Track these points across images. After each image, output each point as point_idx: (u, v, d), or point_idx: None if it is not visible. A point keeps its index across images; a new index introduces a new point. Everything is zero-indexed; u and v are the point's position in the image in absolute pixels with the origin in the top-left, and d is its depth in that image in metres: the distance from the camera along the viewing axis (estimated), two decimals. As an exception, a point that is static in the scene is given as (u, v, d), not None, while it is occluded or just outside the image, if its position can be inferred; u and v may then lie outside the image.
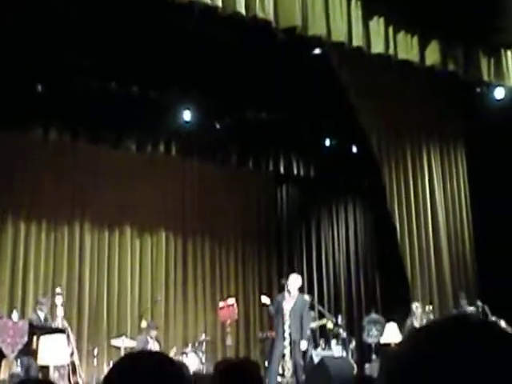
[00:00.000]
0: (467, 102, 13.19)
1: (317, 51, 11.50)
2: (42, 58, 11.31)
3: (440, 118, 13.32)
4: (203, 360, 11.66)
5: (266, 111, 14.27)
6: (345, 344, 12.65)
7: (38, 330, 9.94)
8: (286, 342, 10.01)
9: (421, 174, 13.17)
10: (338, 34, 9.39)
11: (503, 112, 12.30)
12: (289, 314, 10.17)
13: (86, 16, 10.45)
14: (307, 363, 10.63)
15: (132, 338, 11.70)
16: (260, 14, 8.50)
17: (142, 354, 1.94)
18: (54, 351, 8.84)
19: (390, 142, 12.94)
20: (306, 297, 11.27)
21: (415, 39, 10.29)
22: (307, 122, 14.53)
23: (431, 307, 11.79)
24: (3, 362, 9.93)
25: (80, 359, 11.19)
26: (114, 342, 11.53)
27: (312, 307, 11.58)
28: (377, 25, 9.84)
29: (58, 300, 10.74)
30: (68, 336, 10.21)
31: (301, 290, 10.91)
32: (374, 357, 12.44)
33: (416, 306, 11.90)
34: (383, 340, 11.69)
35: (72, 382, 10.35)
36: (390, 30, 10.01)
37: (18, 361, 9.91)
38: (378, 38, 9.81)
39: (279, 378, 10.42)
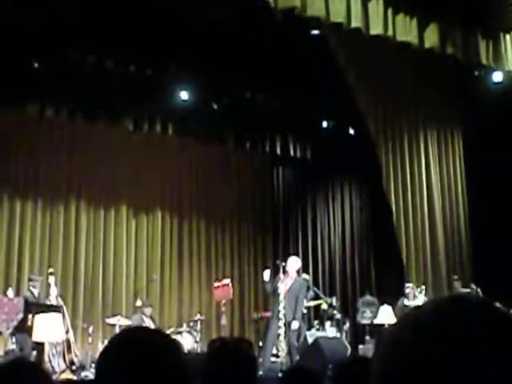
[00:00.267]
0: (465, 85, 13.18)
1: (315, 32, 11.45)
2: (39, 35, 11.24)
3: (438, 101, 13.30)
4: (197, 339, 11.70)
5: (263, 92, 14.23)
6: (339, 325, 12.70)
7: (33, 307, 9.97)
8: (281, 323, 10.05)
9: (417, 156, 13.17)
10: (337, 15, 9.34)
11: (501, 95, 12.29)
12: (284, 295, 10.20)
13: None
14: (301, 343, 10.68)
15: (127, 317, 11.73)
16: (259, -6, 8.46)
17: (138, 329, 1.95)
18: (48, 328, 8.88)
19: (387, 124, 12.93)
20: (306, 276, 11.29)
21: (414, 21, 10.25)
22: (304, 104, 14.50)
23: (424, 288, 11.83)
24: (-2, 339, 9.97)
25: (75, 337, 11.23)
26: (109, 320, 11.57)
27: (308, 287, 11.60)
28: (376, 6, 9.78)
29: (51, 280, 10.75)
30: (63, 314, 10.25)
31: (299, 272, 10.95)
32: (367, 338, 12.50)
33: (408, 286, 11.95)
34: (377, 321, 11.74)
35: (67, 359, 10.40)
36: (389, 11, 9.96)
37: (13, 337, 9.94)
38: (376, 19, 9.77)
39: (273, 358, 10.47)
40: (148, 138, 14.58)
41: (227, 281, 12.54)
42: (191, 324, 12.16)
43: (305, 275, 11.27)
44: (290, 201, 17.00)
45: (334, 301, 13.22)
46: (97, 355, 1.79)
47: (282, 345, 10.08)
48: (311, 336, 11.17)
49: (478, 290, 11.50)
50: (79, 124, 13.65)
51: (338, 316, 12.79)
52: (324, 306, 12.91)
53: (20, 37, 11.10)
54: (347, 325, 13.09)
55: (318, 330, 12.80)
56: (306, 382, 3.41)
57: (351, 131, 15.58)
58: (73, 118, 13.37)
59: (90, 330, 11.52)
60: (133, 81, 12.87)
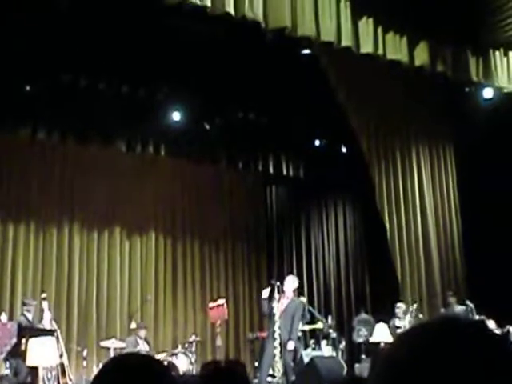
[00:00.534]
0: (456, 101, 13.25)
1: (306, 51, 11.50)
2: (31, 58, 11.26)
3: (429, 118, 13.36)
4: (193, 360, 11.64)
5: (255, 112, 14.28)
6: (335, 344, 12.67)
7: (26, 331, 9.90)
8: (276, 343, 10.00)
9: (410, 174, 13.20)
10: (327, 34, 9.39)
11: (492, 112, 12.35)
12: (280, 314, 10.16)
13: (75, 16, 10.42)
14: (297, 363, 10.63)
15: (121, 340, 11.67)
16: (249, 14, 8.49)
17: (130, 355, 1.95)
18: (42, 352, 8.81)
19: (380, 142, 12.96)
20: (303, 299, 11.24)
21: (404, 39, 10.31)
22: (296, 123, 14.54)
23: (415, 306, 11.80)
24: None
25: (69, 360, 11.16)
26: (104, 343, 11.50)
27: (304, 310, 11.56)
28: (366, 25, 9.84)
29: (45, 305, 10.70)
30: (57, 337, 10.18)
31: (300, 293, 10.93)
32: (363, 357, 12.46)
33: (398, 307, 11.93)
34: (373, 340, 11.71)
35: (61, 383, 10.31)
36: (379, 30, 10.02)
37: (7, 362, 9.87)
38: (366, 38, 9.82)
39: (269, 379, 10.41)
40: (141, 159, 14.59)
41: (222, 301, 12.50)
42: (186, 345, 12.10)
43: (302, 298, 11.22)
44: (283, 220, 17.00)
45: (330, 320, 13.19)
46: (91, 378, 1.79)
47: (278, 365, 10.02)
48: (307, 355, 11.12)
49: (472, 306, 11.50)
50: (71, 146, 13.66)
51: (334, 335, 12.76)
52: (319, 326, 12.88)
53: (11, 59, 11.11)
54: (343, 343, 13.07)
55: (313, 349, 12.76)
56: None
57: (344, 149, 15.63)
58: (65, 140, 13.36)
59: (85, 353, 11.45)
60: (125, 102, 12.90)
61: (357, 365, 12.33)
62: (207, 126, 14.17)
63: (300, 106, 13.69)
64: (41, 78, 12.03)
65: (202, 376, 2.89)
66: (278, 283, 10.36)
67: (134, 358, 1.75)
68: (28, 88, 12.12)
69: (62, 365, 10.23)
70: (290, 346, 10.07)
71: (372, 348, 11.94)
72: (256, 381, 10.38)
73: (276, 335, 9.97)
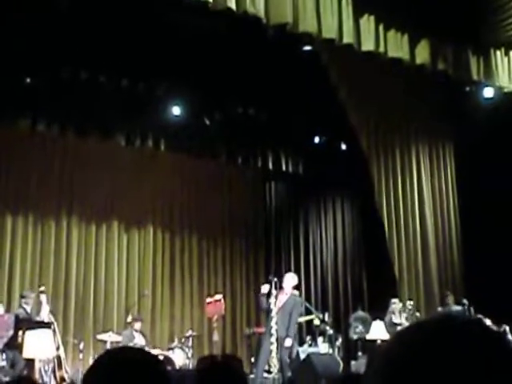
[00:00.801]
0: (456, 100, 13.24)
1: (307, 48, 11.49)
2: (31, 50, 11.25)
3: (429, 116, 13.36)
4: (189, 355, 11.65)
5: (255, 107, 14.27)
6: (331, 341, 12.67)
7: (24, 323, 9.90)
8: (273, 339, 10.00)
9: (409, 172, 13.21)
10: (329, 31, 9.38)
11: (492, 111, 12.35)
12: (277, 310, 10.16)
13: (75, 9, 10.41)
14: (293, 359, 10.64)
15: (118, 333, 11.67)
16: (251, 10, 8.48)
17: (124, 348, 1.94)
18: (39, 345, 8.81)
19: (379, 140, 12.96)
20: (295, 292, 11.24)
21: (405, 37, 10.30)
22: (296, 119, 14.54)
23: (411, 303, 11.81)
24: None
25: (66, 353, 11.16)
26: (100, 336, 11.51)
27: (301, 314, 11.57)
28: (367, 22, 9.84)
29: (43, 298, 10.69)
30: (54, 330, 10.19)
31: (296, 288, 10.92)
32: (360, 354, 12.47)
33: (394, 302, 11.94)
34: (369, 337, 11.71)
35: (58, 375, 10.32)
36: (381, 27, 10.02)
37: (4, 354, 9.87)
38: (368, 35, 9.82)
39: (265, 374, 10.42)
40: (140, 153, 14.58)
41: (219, 296, 12.50)
42: (183, 340, 12.10)
43: (294, 291, 11.22)
44: (282, 216, 17.01)
45: (326, 316, 13.20)
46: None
47: (275, 361, 10.03)
48: (303, 352, 11.13)
49: (467, 304, 11.51)
50: (71, 139, 13.65)
51: (331, 332, 12.76)
52: (316, 322, 12.88)
53: (12, 52, 11.10)
54: (339, 340, 13.06)
55: (310, 345, 12.77)
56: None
57: (343, 146, 15.62)
58: (65, 132, 13.36)
59: (81, 346, 11.45)
60: (125, 96, 12.89)
61: (353, 362, 12.34)
62: (207, 121, 14.16)
63: (300, 103, 13.69)
64: (41, 70, 12.03)
65: (198, 370, 2.90)
66: (276, 279, 10.36)
67: (128, 352, 1.76)
68: (28, 80, 12.11)
69: (58, 357, 10.23)
70: (288, 342, 10.08)
71: (368, 345, 11.95)
72: (252, 376, 10.38)
73: (273, 331, 9.98)
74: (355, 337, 12.84)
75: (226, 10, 8.35)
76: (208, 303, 12.53)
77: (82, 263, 14.08)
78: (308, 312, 12.62)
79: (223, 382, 2.67)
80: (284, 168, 15.72)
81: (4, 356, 9.89)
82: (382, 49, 10.01)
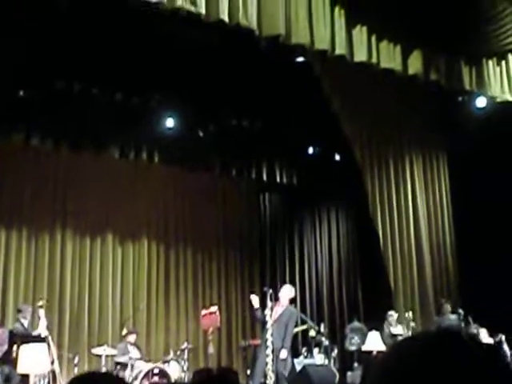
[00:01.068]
0: (449, 110, 13.29)
1: (300, 59, 11.52)
2: (25, 63, 11.25)
3: (422, 127, 13.41)
4: (185, 368, 11.61)
5: (249, 119, 14.29)
6: (327, 352, 12.64)
7: (18, 338, 9.86)
8: (269, 350, 9.98)
9: (403, 182, 13.24)
10: (321, 42, 9.40)
11: (485, 121, 12.39)
12: (273, 322, 10.13)
13: (69, 23, 10.41)
14: (289, 371, 10.60)
15: (113, 347, 11.63)
16: (243, 22, 8.50)
17: (88, 374, 2.00)
18: (34, 359, 8.76)
19: (373, 150, 13.00)
20: (295, 310, 11.21)
21: (398, 48, 10.33)
22: (290, 130, 14.57)
23: (411, 314, 11.82)
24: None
25: (60, 367, 11.11)
26: (95, 350, 11.46)
27: (297, 324, 11.55)
28: (360, 33, 9.86)
29: (41, 312, 10.66)
30: (48, 344, 10.14)
31: (292, 301, 10.91)
32: (356, 365, 12.44)
33: (391, 315, 11.94)
34: (365, 348, 11.70)
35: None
36: (373, 38, 10.04)
37: (-2, 369, 9.82)
38: (360, 46, 9.84)
39: (261, 386, 10.38)
40: (134, 166, 14.57)
41: (214, 308, 12.47)
42: (178, 352, 12.06)
43: (294, 309, 11.20)
44: (276, 227, 17.01)
45: (322, 327, 13.18)
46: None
47: (270, 373, 9.99)
48: (299, 363, 11.10)
49: (463, 313, 11.52)
50: (65, 152, 13.64)
51: (326, 343, 12.74)
52: (312, 333, 12.86)
53: (6, 65, 11.09)
54: (335, 351, 13.04)
55: (305, 357, 12.74)
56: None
57: (337, 157, 15.64)
58: (58, 146, 13.35)
59: (76, 360, 11.41)
60: (119, 109, 12.89)
61: (349, 373, 12.31)
62: (201, 133, 14.17)
63: (293, 114, 13.72)
64: (35, 83, 12.02)
65: (194, 383, 2.88)
66: (271, 291, 10.34)
67: (94, 377, 1.86)
68: (22, 93, 12.10)
69: (53, 372, 10.18)
70: (283, 354, 10.05)
71: (364, 356, 11.93)
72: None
73: (268, 343, 9.95)
74: (351, 348, 12.81)
75: (218, 22, 8.37)
76: (203, 315, 12.49)
77: (76, 277, 14.03)
78: (303, 323, 12.61)
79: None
80: (278, 179, 15.73)
81: (-1, 371, 9.84)
82: (374, 60, 10.04)
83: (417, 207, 13.24)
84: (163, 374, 10.86)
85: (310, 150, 15.56)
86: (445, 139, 13.86)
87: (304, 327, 12.89)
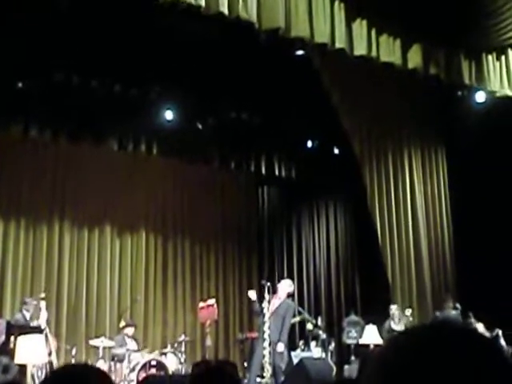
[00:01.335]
0: (448, 105, 13.27)
1: (299, 53, 11.51)
2: (23, 55, 11.22)
3: (421, 121, 13.40)
4: (182, 360, 11.63)
5: (248, 112, 14.27)
6: (324, 345, 12.67)
7: (16, 329, 9.88)
8: (266, 343, 10.00)
9: (402, 176, 13.24)
10: (321, 36, 9.39)
11: (484, 115, 12.38)
12: (270, 315, 10.15)
13: (67, 14, 10.39)
14: (286, 364, 10.63)
15: (111, 338, 11.65)
16: (243, 15, 8.48)
17: (65, 366, 2.04)
18: (31, 350, 8.77)
19: (372, 144, 12.99)
20: (292, 303, 11.23)
21: (398, 42, 10.32)
22: (289, 124, 14.55)
23: (410, 310, 11.85)
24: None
25: (58, 359, 11.13)
26: (93, 341, 11.48)
27: (294, 314, 11.56)
28: (360, 27, 9.85)
29: (42, 304, 10.69)
30: (46, 335, 10.16)
31: (290, 296, 10.93)
32: (353, 358, 12.47)
33: (393, 308, 11.96)
34: (362, 342, 11.72)
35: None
36: (373, 32, 10.03)
37: (-4, 360, 9.83)
38: (360, 40, 9.83)
39: (258, 379, 10.41)
40: (133, 158, 14.56)
41: (212, 301, 12.49)
42: (176, 345, 12.08)
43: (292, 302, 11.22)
44: (275, 220, 17.01)
45: (319, 321, 13.21)
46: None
47: (268, 366, 10.02)
48: (296, 356, 11.13)
49: (460, 308, 11.54)
50: (63, 144, 13.62)
51: (323, 336, 12.77)
52: (309, 327, 12.89)
53: (4, 57, 11.07)
54: (332, 345, 13.07)
55: (303, 350, 12.77)
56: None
57: (336, 151, 15.63)
58: (57, 137, 13.32)
59: (74, 351, 11.42)
60: (117, 101, 12.87)
61: (346, 366, 12.34)
62: (200, 126, 14.15)
63: (293, 107, 13.71)
64: (33, 75, 11.99)
65: (192, 375, 2.89)
66: (269, 284, 10.36)
67: (71, 368, 1.91)
68: (20, 85, 12.07)
69: (50, 363, 10.20)
70: (280, 347, 10.08)
71: (361, 350, 11.95)
72: (245, 381, 10.37)
73: (266, 335, 9.98)
74: (348, 341, 12.84)
75: (218, 14, 8.35)
76: (201, 308, 12.52)
77: (74, 268, 14.04)
78: (300, 314, 12.64)
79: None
80: (277, 173, 15.72)
81: (-4, 362, 9.85)
82: (374, 53, 10.03)
83: (415, 201, 13.25)
84: (160, 366, 10.88)
85: (309, 144, 15.55)
86: (444, 134, 13.85)
87: (301, 318, 12.91)
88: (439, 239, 13.45)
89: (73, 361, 11.32)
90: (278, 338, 10.07)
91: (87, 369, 1.80)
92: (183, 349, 11.90)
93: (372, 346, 11.15)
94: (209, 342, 12.32)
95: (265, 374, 10.09)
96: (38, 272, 13.57)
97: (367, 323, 11.90)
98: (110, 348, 11.39)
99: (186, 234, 15.58)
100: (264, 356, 10.01)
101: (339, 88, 12.06)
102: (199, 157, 14.90)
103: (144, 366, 10.73)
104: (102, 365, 10.80)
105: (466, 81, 11.12)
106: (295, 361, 10.81)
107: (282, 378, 10.09)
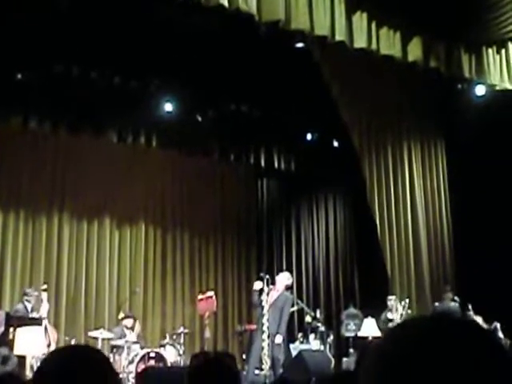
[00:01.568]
0: (448, 98, 13.26)
1: (299, 45, 11.49)
2: (22, 47, 11.20)
3: (421, 114, 13.39)
4: (181, 352, 11.64)
5: (247, 104, 14.25)
6: (323, 338, 12.69)
7: (15, 320, 9.90)
8: (265, 336, 10.02)
9: (401, 170, 13.23)
10: (321, 28, 9.38)
11: (484, 109, 12.37)
12: (268, 307, 10.17)
13: (67, 7, 10.36)
14: (285, 356, 10.65)
15: (110, 330, 11.66)
16: (243, 7, 8.47)
17: (74, 346, 2.05)
18: (30, 342, 8.81)
19: (371, 137, 12.99)
20: (290, 295, 11.25)
21: (398, 35, 10.31)
22: (289, 116, 14.53)
23: (407, 301, 11.86)
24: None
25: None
26: (92, 333, 11.50)
27: (293, 304, 11.57)
28: (360, 20, 9.84)
29: (44, 296, 10.70)
30: (45, 327, 10.18)
31: (289, 288, 10.95)
32: (351, 351, 12.49)
33: (389, 299, 11.98)
34: (361, 334, 11.74)
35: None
36: (373, 25, 10.02)
37: (-5, 351, 9.85)
38: (360, 32, 9.82)
39: (257, 371, 10.43)
40: (132, 150, 14.55)
41: (211, 293, 12.51)
42: (174, 337, 12.09)
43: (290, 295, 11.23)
44: (274, 213, 17.01)
45: (318, 313, 13.22)
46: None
47: (266, 357, 10.04)
48: (295, 349, 11.15)
49: (459, 301, 11.56)
50: (63, 136, 13.61)
51: (322, 329, 12.79)
52: (308, 319, 12.90)
53: (3, 48, 11.05)
54: (331, 337, 13.08)
55: (301, 342, 12.79)
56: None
57: (335, 144, 15.62)
58: (57, 129, 13.31)
59: (73, 343, 11.43)
60: (117, 92, 12.84)
61: (345, 359, 12.35)
62: (199, 118, 14.13)
63: (293, 100, 13.69)
64: (33, 67, 11.97)
65: (191, 367, 2.90)
66: (268, 276, 10.37)
67: (72, 349, 1.91)
68: (20, 76, 12.05)
69: (49, 354, 10.21)
70: (278, 339, 10.10)
71: (360, 342, 11.97)
72: (244, 373, 10.39)
73: (264, 328, 10.00)
74: (347, 334, 12.86)
75: (218, 6, 8.34)
76: (199, 300, 12.53)
77: (73, 260, 14.05)
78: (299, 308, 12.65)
79: (216, 379, 2.67)
80: (276, 165, 15.71)
81: (-5, 353, 9.87)
82: (374, 46, 10.01)
83: (414, 194, 13.25)
84: (159, 357, 10.90)
85: (309, 136, 15.53)
86: (443, 127, 13.84)
87: (299, 307, 12.92)
88: (438, 232, 13.45)
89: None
90: (276, 330, 10.09)
91: (89, 350, 1.81)
92: (182, 341, 11.91)
93: (370, 339, 11.16)
94: (208, 333, 12.34)
95: (263, 366, 10.11)
96: (37, 264, 13.58)
97: (366, 316, 11.93)
98: (108, 339, 11.40)
99: (185, 226, 15.58)
100: (263, 348, 10.03)
101: (339, 81, 12.04)
102: (199, 149, 14.89)
103: (143, 358, 10.74)
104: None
105: (466, 74, 11.11)
106: (294, 353, 10.83)
107: (281, 370, 10.11)
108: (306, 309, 13.27)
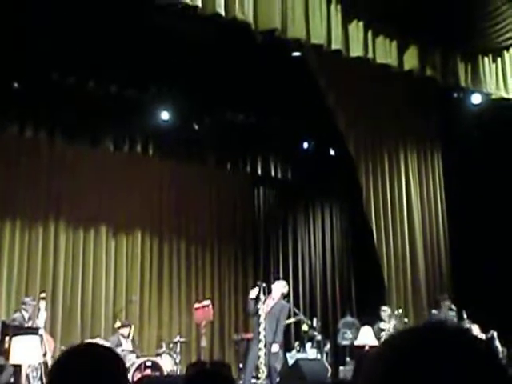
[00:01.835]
0: (444, 106, 13.30)
1: (296, 54, 11.52)
2: (19, 56, 11.21)
3: (417, 123, 13.42)
4: (177, 361, 11.62)
5: (244, 113, 14.29)
6: (319, 346, 12.68)
7: (11, 329, 9.86)
8: (261, 344, 10.00)
9: (397, 178, 13.25)
10: (317, 37, 9.39)
11: (479, 117, 12.41)
12: (265, 316, 10.15)
13: (64, 14, 10.38)
14: (282, 365, 10.63)
15: (106, 339, 11.63)
16: (239, 16, 8.48)
17: (87, 344, 2.07)
18: (26, 351, 8.76)
19: (368, 146, 13.01)
20: (287, 303, 11.24)
21: (394, 44, 10.33)
22: (285, 124, 14.56)
23: (401, 311, 11.86)
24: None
25: (53, 359, 11.10)
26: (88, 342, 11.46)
27: (289, 314, 11.57)
28: (356, 29, 9.86)
29: (42, 304, 10.67)
30: (41, 336, 10.15)
31: (285, 297, 10.93)
32: (348, 359, 12.48)
33: (383, 310, 11.97)
34: (358, 343, 11.72)
35: (44, 382, 10.26)
36: (369, 34, 10.04)
37: (-10, 361, 9.83)
38: (356, 41, 9.84)
39: (254, 380, 10.41)
40: (128, 158, 14.54)
41: (207, 302, 12.49)
42: (171, 345, 12.07)
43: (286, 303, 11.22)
44: (270, 221, 17.00)
45: (315, 322, 13.21)
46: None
47: (263, 366, 10.02)
48: (292, 357, 11.13)
49: (455, 310, 11.55)
50: (59, 144, 13.61)
51: (319, 337, 12.78)
52: (304, 328, 12.89)
53: (0, 57, 11.06)
54: (328, 346, 13.07)
55: (298, 351, 12.77)
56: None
57: (332, 152, 15.65)
58: (53, 138, 13.31)
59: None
60: (113, 101, 12.86)
61: (341, 368, 12.34)
62: (196, 126, 14.15)
63: (289, 108, 13.71)
64: (29, 75, 11.98)
65: (187, 376, 2.89)
66: (264, 284, 10.36)
67: (87, 346, 1.97)
68: (16, 85, 12.06)
69: (45, 363, 10.19)
70: (275, 348, 10.08)
71: (357, 351, 11.95)
72: (241, 382, 10.37)
73: (261, 336, 9.98)
74: (343, 342, 12.84)
75: (214, 15, 8.35)
76: (196, 309, 12.51)
77: (69, 268, 14.00)
78: (296, 315, 12.63)
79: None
80: (273, 173, 15.74)
81: (-8, 362, 9.84)
82: (370, 55, 10.03)
83: (411, 203, 13.26)
84: (156, 366, 10.87)
85: (305, 145, 15.56)
86: (439, 135, 13.88)
87: (293, 320, 12.91)
88: (435, 240, 13.46)
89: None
90: (272, 339, 10.07)
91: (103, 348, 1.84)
92: (178, 349, 11.90)
93: (367, 348, 11.15)
94: (204, 342, 12.32)
95: (260, 375, 10.08)
96: (33, 272, 13.53)
97: (362, 324, 11.91)
98: (105, 349, 11.36)
99: (182, 234, 15.56)
100: (259, 357, 10.01)
101: (335, 89, 12.07)
102: (195, 157, 14.90)
103: (139, 367, 10.72)
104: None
105: (462, 83, 11.14)
106: (290, 362, 10.81)
107: (277, 379, 10.09)
108: (302, 317, 13.26)
